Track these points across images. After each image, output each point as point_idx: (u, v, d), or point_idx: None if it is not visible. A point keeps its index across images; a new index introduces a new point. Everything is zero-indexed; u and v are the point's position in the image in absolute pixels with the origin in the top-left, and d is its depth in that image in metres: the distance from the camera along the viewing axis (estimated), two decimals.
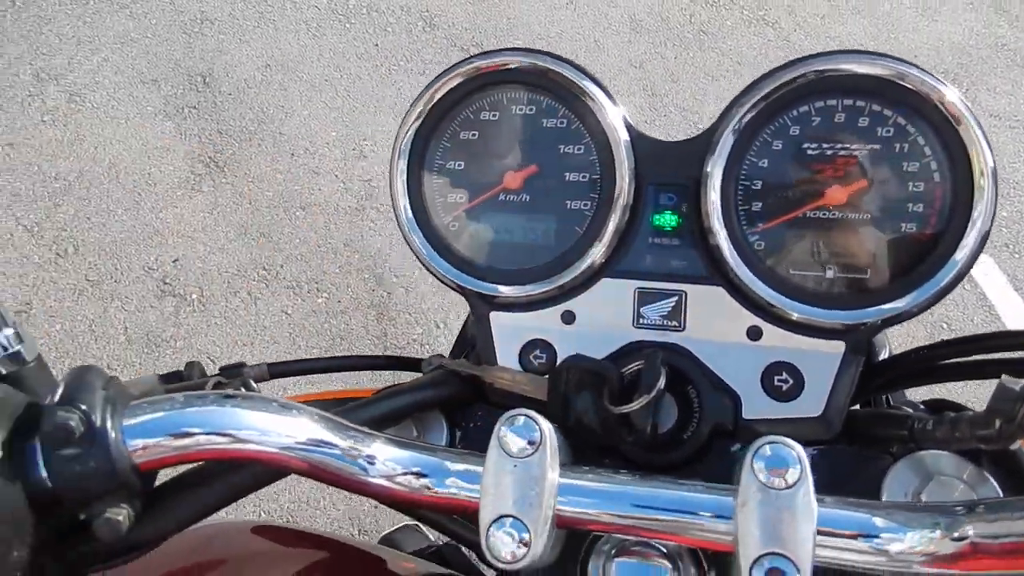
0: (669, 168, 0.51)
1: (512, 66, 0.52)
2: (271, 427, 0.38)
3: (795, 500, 0.35)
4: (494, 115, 0.54)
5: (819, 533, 0.34)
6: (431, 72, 2.81)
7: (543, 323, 0.52)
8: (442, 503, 0.39)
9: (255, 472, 0.44)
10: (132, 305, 2.11)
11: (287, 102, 2.63)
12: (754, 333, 0.49)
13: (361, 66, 2.78)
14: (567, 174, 0.53)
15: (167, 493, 0.42)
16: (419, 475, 0.40)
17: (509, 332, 0.53)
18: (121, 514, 0.37)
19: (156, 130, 2.49)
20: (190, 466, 0.43)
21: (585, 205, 0.52)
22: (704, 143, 0.50)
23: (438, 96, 0.54)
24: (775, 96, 0.49)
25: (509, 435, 0.39)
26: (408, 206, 0.54)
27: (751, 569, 0.34)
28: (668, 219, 0.51)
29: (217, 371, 0.55)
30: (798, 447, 0.36)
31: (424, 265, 0.54)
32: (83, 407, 0.36)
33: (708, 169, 0.49)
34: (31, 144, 2.40)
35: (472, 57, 0.53)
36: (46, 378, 0.46)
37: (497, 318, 0.53)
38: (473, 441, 0.52)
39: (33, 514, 0.36)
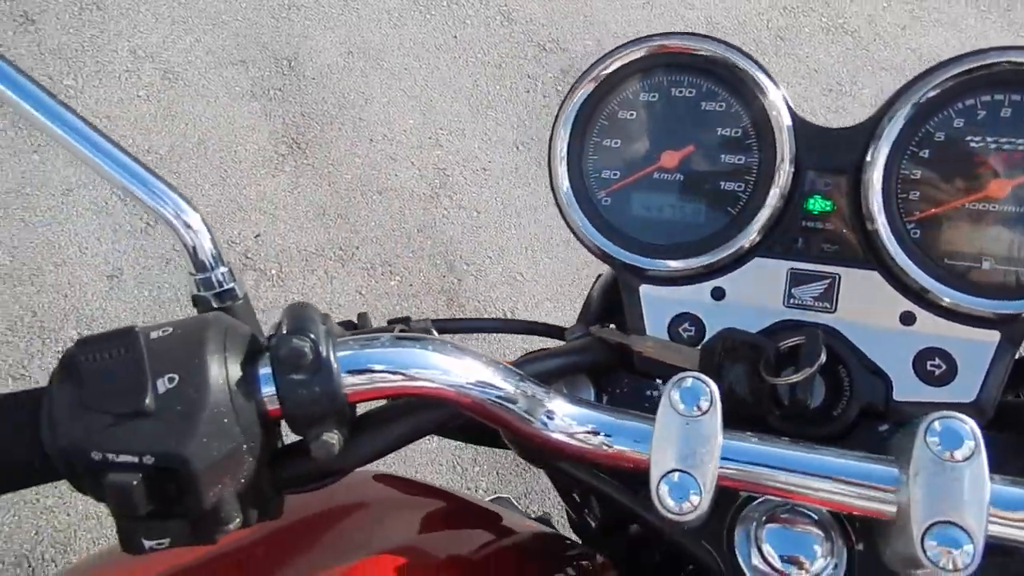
0: (828, 154, 0.53)
1: (697, 52, 0.55)
2: (467, 374, 0.43)
3: (969, 473, 0.37)
4: (653, 96, 0.57)
5: (991, 507, 0.36)
6: (507, 65, 2.87)
7: (692, 298, 0.55)
8: (612, 459, 0.43)
9: (438, 414, 0.48)
10: None
11: (367, 89, 2.71)
12: (907, 318, 0.51)
13: (440, 57, 2.84)
14: (723, 156, 0.55)
15: (362, 426, 0.46)
16: (594, 432, 0.43)
17: (658, 305, 0.55)
18: (334, 438, 0.41)
19: (243, 110, 2.59)
20: (378, 403, 0.48)
21: (739, 187, 0.55)
22: (868, 131, 0.52)
23: (605, 73, 0.56)
24: (944, 88, 0.50)
25: (680, 396, 0.42)
26: (567, 179, 0.57)
27: (923, 536, 0.36)
28: (823, 204, 0.53)
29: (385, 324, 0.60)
30: (971, 422, 0.38)
31: (579, 238, 0.57)
32: (312, 336, 0.40)
33: (870, 157, 0.51)
34: (127, 118, 2.51)
35: (641, 39, 0.56)
36: (251, 314, 0.53)
37: (646, 291, 0.56)
38: (620, 405, 0.55)
39: (263, 432, 0.40)
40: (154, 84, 2.60)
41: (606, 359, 0.56)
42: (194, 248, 0.51)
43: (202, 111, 2.56)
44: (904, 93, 0.52)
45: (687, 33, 0.56)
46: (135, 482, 0.36)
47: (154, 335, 0.39)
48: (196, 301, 0.53)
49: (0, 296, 2.10)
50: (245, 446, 0.39)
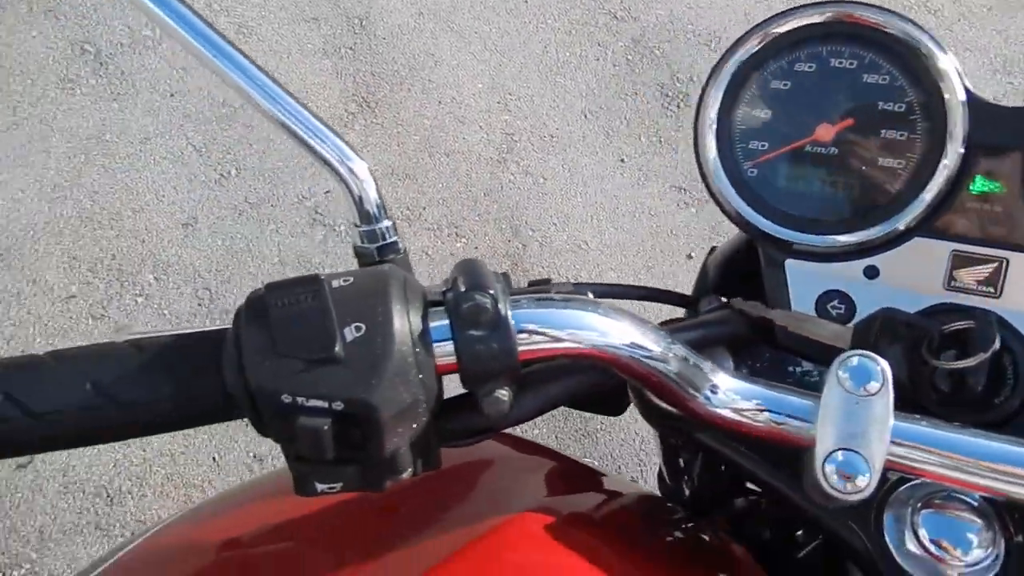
0: (1000, 132, 0.51)
1: (873, 24, 0.53)
2: (636, 340, 0.43)
3: None
4: (810, 67, 0.55)
5: None
6: (578, 32, 2.86)
7: (843, 275, 0.53)
8: (772, 435, 0.43)
9: (590, 378, 0.49)
10: (286, 230, 2.25)
11: (437, 51, 2.72)
12: None
13: (510, 21, 2.83)
14: (883, 131, 0.54)
15: (522, 385, 0.47)
16: (758, 407, 0.43)
17: (805, 280, 0.54)
18: (505, 395, 0.41)
19: (315, 67, 2.61)
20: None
21: (900, 163, 0.53)
22: None
23: (765, 42, 0.56)
24: None
25: (849, 374, 0.41)
26: (715, 148, 0.56)
27: None
28: (991, 184, 0.51)
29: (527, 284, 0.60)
30: None
31: (723, 207, 0.56)
32: (491, 293, 0.41)
33: None
34: (202, 70, 2.54)
35: (821, 3, 0.55)
36: (410, 270, 0.54)
37: (792, 265, 0.54)
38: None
39: (438, 384, 0.41)
40: (229, 38, 2.63)
41: (745, 332, 0.55)
42: (360, 198, 0.51)
43: (275, 66, 2.59)
44: None
45: (864, 4, 0.54)
46: (325, 427, 0.37)
47: (335, 283, 0.40)
48: (358, 253, 0.53)
49: (82, 238, 2.16)
50: (423, 397, 0.40)
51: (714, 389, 0.44)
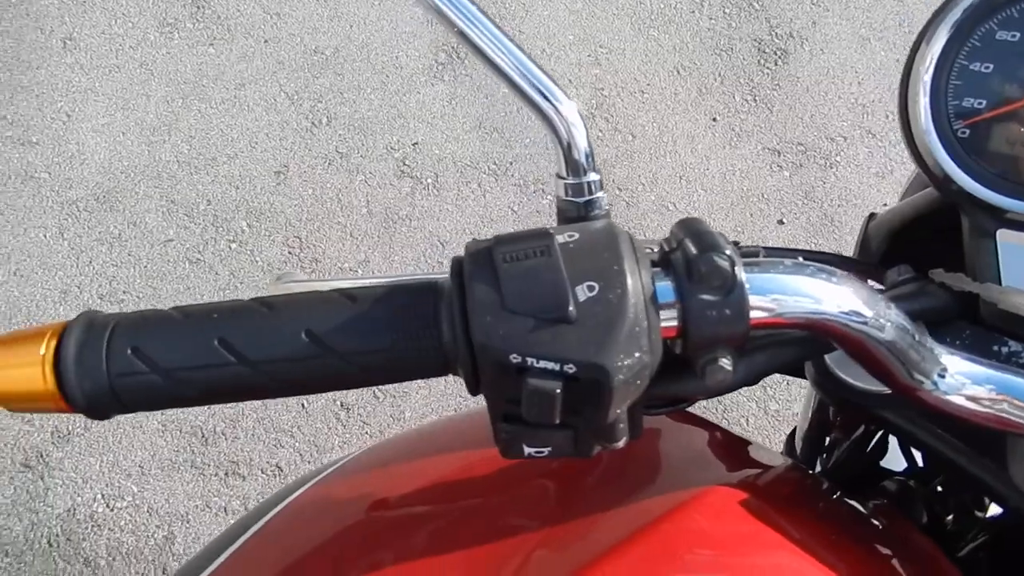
0: None
1: None
2: (865, 313, 0.40)
3: None
4: None
5: None
6: None
7: None
8: (1005, 422, 0.40)
9: (806, 349, 0.46)
10: (375, 181, 2.25)
11: (528, 0, 2.65)
12: None
13: None
14: None
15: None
16: (994, 394, 0.40)
17: (1019, 253, 0.49)
18: (728, 364, 0.38)
19: (405, 15, 2.58)
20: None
21: None
22: None
23: None
24: None
25: None
26: (926, 103, 0.50)
27: None
28: None
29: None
30: None
31: (928, 169, 0.51)
32: (728, 254, 0.37)
33: None
34: (295, 16, 2.55)
35: None
36: None
37: (1004, 236, 0.49)
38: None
39: (663, 347, 0.39)
40: None
41: (942, 307, 0.51)
42: (568, 145, 0.47)
43: (366, 14, 2.57)
44: None
45: None
46: (558, 390, 0.36)
47: (561, 239, 0.38)
48: (561, 207, 0.49)
49: (179, 183, 2.21)
50: (650, 361, 0.37)
51: (943, 373, 0.41)
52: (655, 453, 0.57)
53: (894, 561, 0.54)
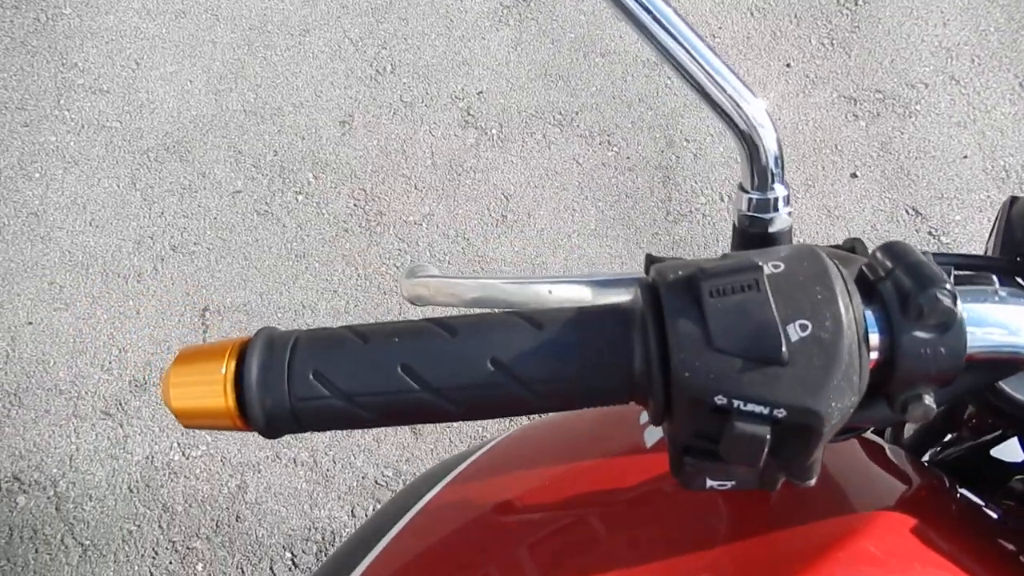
0: None
1: None
2: None
3: None
4: None
5: None
6: None
7: None
8: None
9: (991, 375, 0.42)
10: (439, 131, 2.20)
11: None
12: None
13: None
14: None
15: None
16: None
17: None
18: (932, 401, 0.35)
19: None
20: None
21: None
22: None
23: None
24: None
25: None
26: None
27: None
28: None
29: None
30: None
31: None
32: (948, 289, 0.34)
33: None
34: None
35: None
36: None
37: None
38: None
39: (863, 389, 0.35)
40: None
41: None
42: (753, 153, 0.42)
43: None
44: None
45: None
46: (768, 435, 0.33)
47: (767, 269, 0.35)
48: (741, 223, 0.45)
49: (246, 132, 2.18)
50: (857, 401, 0.35)
51: None
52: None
53: None
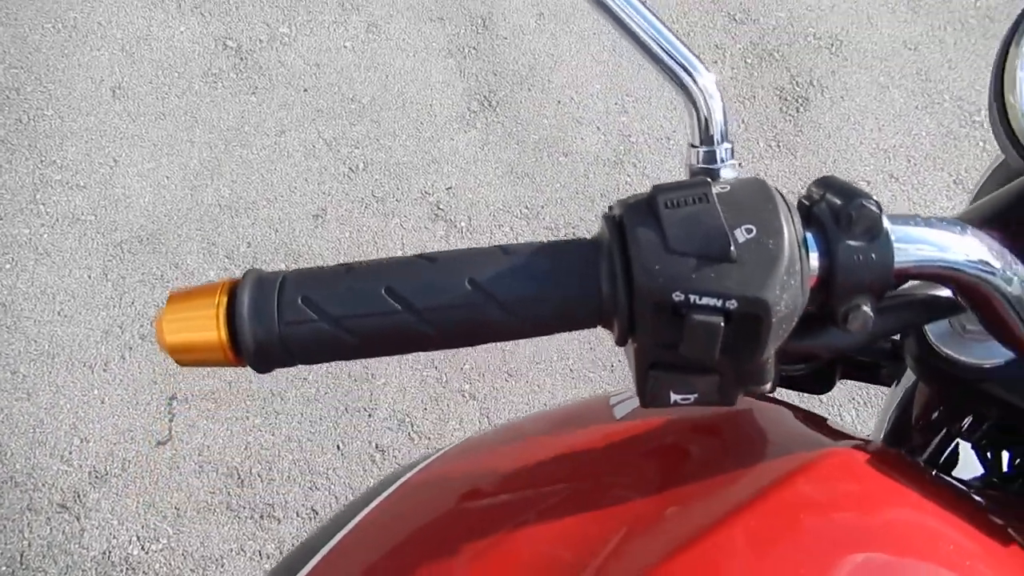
0: None
1: None
2: (991, 261, 0.40)
3: None
4: None
5: None
6: (696, 34, 2.69)
7: None
8: None
9: (935, 310, 0.46)
10: (410, 224, 2.18)
11: (557, 51, 2.60)
12: None
13: None
14: None
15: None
16: None
17: None
18: (870, 311, 0.38)
19: (440, 65, 2.53)
20: None
21: None
22: None
23: None
24: None
25: None
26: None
27: None
28: None
29: None
30: None
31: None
32: (876, 201, 0.37)
33: None
34: (334, 66, 2.50)
35: None
36: None
37: None
38: None
39: (805, 296, 0.38)
40: (359, 36, 2.58)
41: None
42: (704, 117, 0.46)
43: (402, 64, 2.53)
44: None
45: None
46: (721, 323, 0.36)
47: (716, 189, 0.38)
48: (693, 174, 0.49)
49: (220, 225, 2.14)
50: (801, 303, 0.38)
51: None
52: (756, 430, 0.55)
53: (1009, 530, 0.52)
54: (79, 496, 1.67)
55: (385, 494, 0.55)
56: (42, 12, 2.58)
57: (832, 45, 2.67)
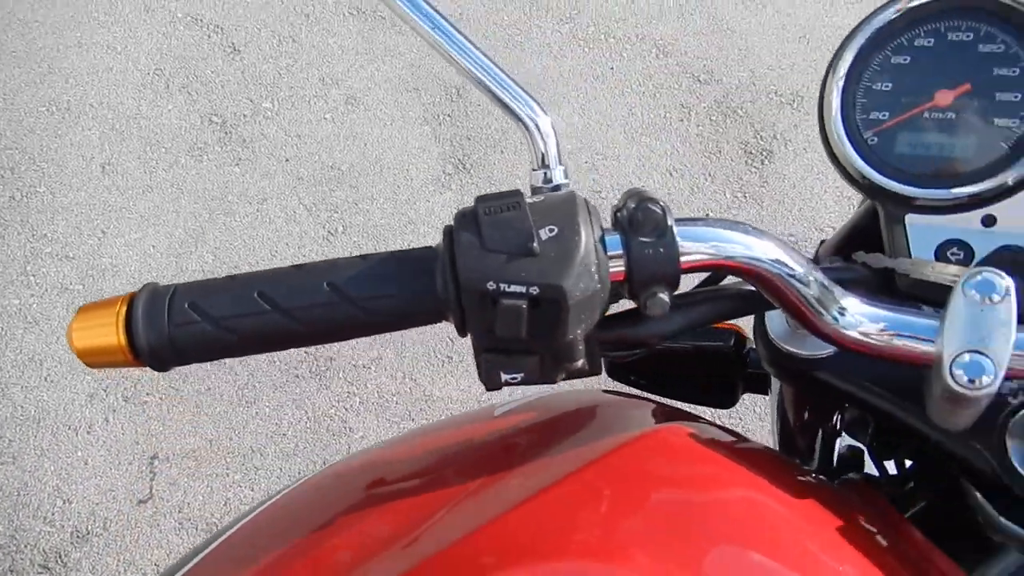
0: None
1: None
2: (779, 257, 0.47)
3: None
4: (929, 41, 0.58)
5: None
6: (662, 95, 2.83)
7: (961, 225, 0.56)
8: (899, 354, 0.47)
9: (735, 304, 0.53)
10: None
11: None
12: None
13: (596, 87, 2.83)
14: (998, 94, 0.56)
15: (675, 304, 0.51)
16: (885, 330, 0.47)
17: (925, 232, 0.56)
18: (666, 298, 0.45)
19: (416, 132, 2.67)
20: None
21: (1014, 123, 0.56)
22: None
23: (890, 19, 0.58)
24: None
25: (975, 288, 0.43)
26: (841, 121, 0.58)
27: None
28: None
29: None
30: None
31: (848, 173, 0.58)
32: (661, 204, 0.45)
33: None
34: (314, 137, 2.64)
35: None
36: None
37: (912, 219, 0.57)
38: None
39: (611, 289, 0.45)
40: (339, 108, 2.73)
41: (862, 278, 0.57)
42: (543, 149, 0.55)
43: (379, 133, 2.66)
44: None
45: None
46: (524, 305, 0.42)
47: (531, 200, 0.46)
48: (534, 191, 0.57)
49: None
50: (601, 290, 0.44)
51: (842, 311, 0.47)
52: (601, 419, 0.60)
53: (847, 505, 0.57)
54: (61, 556, 1.71)
55: (263, 506, 0.60)
56: (37, 96, 2.73)
57: (793, 101, 2.80)
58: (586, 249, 0.43)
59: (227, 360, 2.07)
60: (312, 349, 2.10)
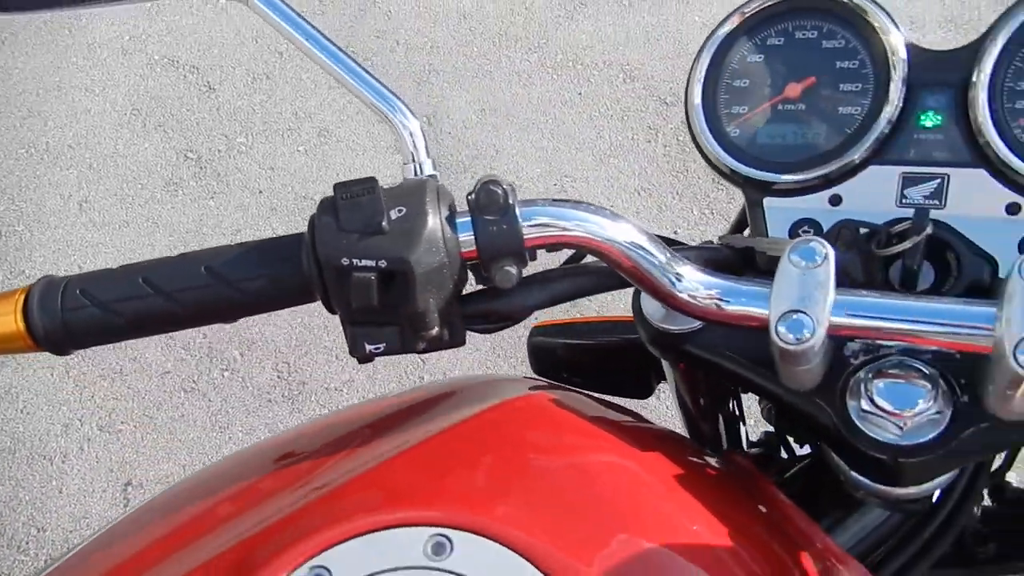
0: (939, 74, 0.59)
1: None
2: (622, 234, 0.51)
3: None
4: (780, 40, 0.64)
5: None
6: (630, 118, 2.92)
7: (812, 205, 0.61)
8: (734, 317, 0.51)
9: (592, 281, 0.58)
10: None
11: (499, 142, 2.81)
12: (1013, 208, 0.57)
13: (565, 112, 2.91)
14: (841, 85, 0.62)
15: (531, 282, 0.56)
16: (717, 297, 0.51)
17: (780, 213, 0.61)
18: (514, 271, 0.50)
19: (387, 161, 2.74)
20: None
21: (855, 110, 0.61)
22: (974, 50, 0.58)
23: (739, 22, 0.64)
24: None
25: (798, 254, 0.48)
26: (704, 116, 0.64)
27: (1015, 351, 0.42)
28: (933, 118, 0.59)
29: None
30: None
31: (715, 164, 0.64)
32: (504, 187, 0.49)
33: (976, 77, 0.57)
34: (288, 169, 2.71)
35: None
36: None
37: (770, 202, 0.62)
38: None
39: (460, 263, 0.50)
40: (312, 140, 2.80)
41: (733, 260, 0.62)
42: (413, 145, 0.60)
43: (352, 162, 2.73)
44: (1006, 17, 0.57)
45: None
46: (373, 277, 0.46)
47: (386, 185, 0.50)
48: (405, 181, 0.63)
49: None
50: (448, 265, 0.49)
51: (679, 277, 0.51)
52: (478, 394, 0.62)
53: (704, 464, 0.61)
54: None
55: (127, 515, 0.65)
56: (17, 139, 2.81)
57: None
58: (432, 226, 0.48)
59: (199, 386, 2.11)
60: (285, 373, 2.14)
